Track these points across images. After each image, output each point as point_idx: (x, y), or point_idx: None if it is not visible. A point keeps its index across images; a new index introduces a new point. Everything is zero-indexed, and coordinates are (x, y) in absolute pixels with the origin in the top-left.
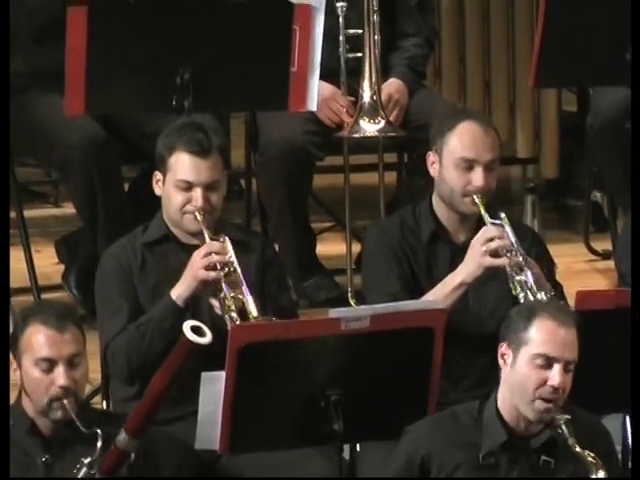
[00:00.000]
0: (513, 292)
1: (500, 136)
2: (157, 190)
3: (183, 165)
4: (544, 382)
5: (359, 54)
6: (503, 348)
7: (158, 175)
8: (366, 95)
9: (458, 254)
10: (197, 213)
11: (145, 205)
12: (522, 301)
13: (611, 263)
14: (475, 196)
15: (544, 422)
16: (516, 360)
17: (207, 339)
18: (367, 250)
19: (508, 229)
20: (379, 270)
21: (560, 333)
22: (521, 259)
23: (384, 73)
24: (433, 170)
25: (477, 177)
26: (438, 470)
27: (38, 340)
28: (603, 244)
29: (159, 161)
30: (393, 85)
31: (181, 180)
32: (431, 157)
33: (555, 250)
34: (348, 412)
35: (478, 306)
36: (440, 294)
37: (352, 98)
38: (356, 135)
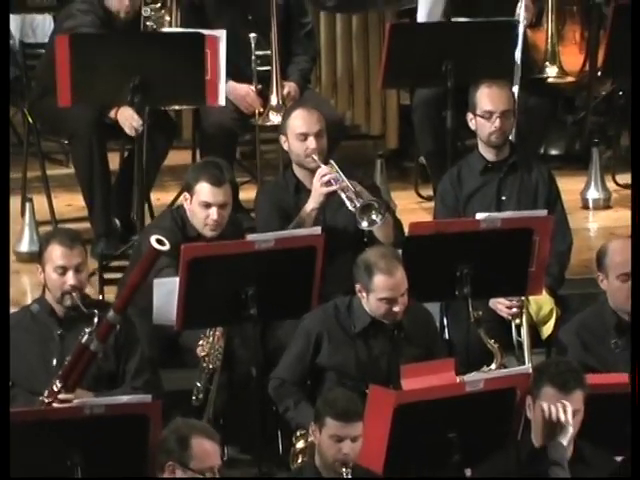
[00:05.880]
0: (348, 206)
1: (336, 115)
2: (186, 205)
3: (205, 192)
4: (390, 310)
5: (267, 67)
6: (358, 287)
7: (186, 195)
8: (274, 97)
9: None
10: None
11: (129, 178)
12: (351, 209)
13: (432, 204)
14: (313, 155)
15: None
16: (368, 299)
17: (166, 247)
18: (258, 208)
19: (335, 167)
20: (265, 217)
21: (390, 281)
22: (346, 183)
23: (283, 79)
24: (286, 146)
25: (311, 144)
26: (327, 342)
27: (56, 253)
28: (427, 191)
29: (187, 186)
30: (291, 86)
31: (203, 201)
32: (282, 139)
33: (395, 195)
34: (260, 302)
35: (334, 225)
36: (303, 215)
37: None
38: (268, 124)
